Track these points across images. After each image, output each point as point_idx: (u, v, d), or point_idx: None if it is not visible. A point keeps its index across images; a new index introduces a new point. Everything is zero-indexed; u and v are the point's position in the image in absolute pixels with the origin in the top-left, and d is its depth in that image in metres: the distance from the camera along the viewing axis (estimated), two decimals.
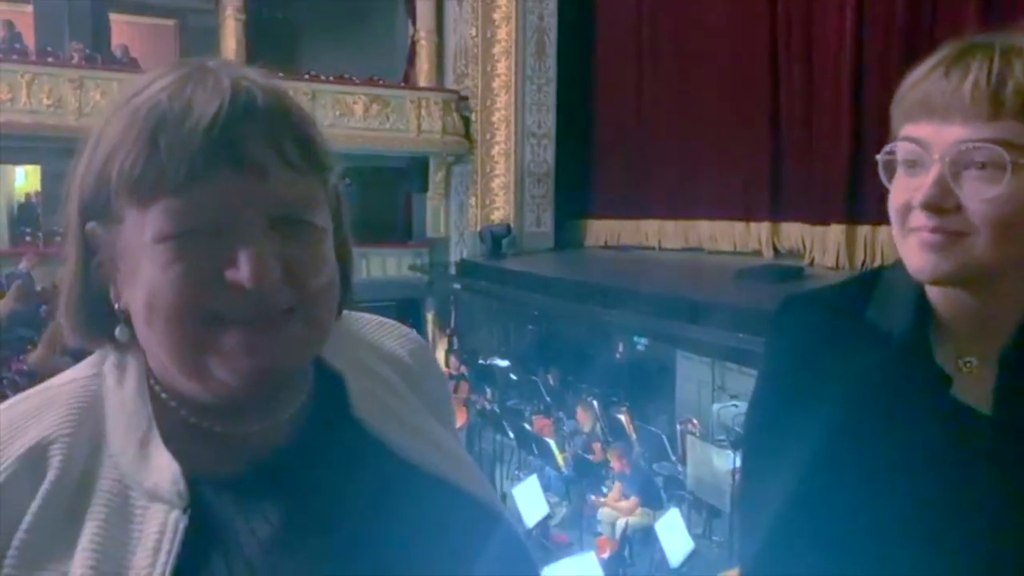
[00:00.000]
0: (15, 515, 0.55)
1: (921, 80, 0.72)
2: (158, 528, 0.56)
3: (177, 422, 0.62)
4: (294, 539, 0.61)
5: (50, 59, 11.30)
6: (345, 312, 0.71)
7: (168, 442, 0.60)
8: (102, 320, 0.62)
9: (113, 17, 13.19)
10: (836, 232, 8.22)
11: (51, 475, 0.57)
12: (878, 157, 0.75)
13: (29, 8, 12.42)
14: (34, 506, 0.55)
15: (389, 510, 0.65)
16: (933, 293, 0.77)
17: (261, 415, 0.63)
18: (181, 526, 0.56)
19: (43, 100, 10.45)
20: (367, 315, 0.78)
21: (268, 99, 0.59)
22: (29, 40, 11.98)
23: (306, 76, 12.29)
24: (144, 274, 0.57)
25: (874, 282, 0.82)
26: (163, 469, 0.58)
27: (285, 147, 0.59)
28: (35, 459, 0.57)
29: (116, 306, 0.61)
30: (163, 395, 0.62)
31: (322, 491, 0.64)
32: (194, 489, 0.58)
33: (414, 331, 0.80)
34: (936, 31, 7.21)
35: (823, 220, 8.39)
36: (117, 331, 0.61)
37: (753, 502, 0.85)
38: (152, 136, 0.56)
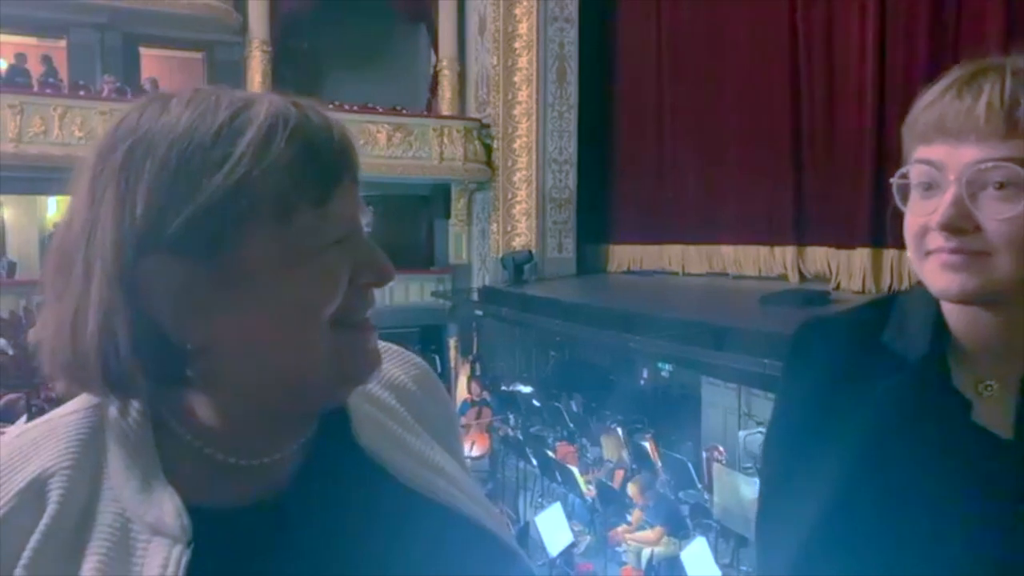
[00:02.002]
0: (14, 550, 0.54)
1: (934, 102, 0.71)
2: (160, 563, 0.55)
3: (185, 453, 0.60)
4: (299, 571, 0.60)
5: (81, 92, 11.58)
6: None
7: (173, 474, 0.59)
8: (169, 362, 0.57)
9: (143, 51, 13.51)
10: (862, 256, 8.13)
11: (51, 509, 0.56)
12: (892, 181, 0.74)
13: (63, 43, 12.77)
14: (34, 541, 0.55)
15: (394, 539, 0.64)
16: (952, 316, 0.76)
17: (281, 444, 0.63)
18: (184, 560, 0.55)
19: (75, 132, 10.69)
20: None
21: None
22: (64, 74, 12.31)
23: (330, 106, 12.36)
24: (279, 290, 0.57)
25: (891, 306, 0.81)
26: (165, 502, 0.57)
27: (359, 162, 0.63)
28: (35, 493, 0.56)
29: (188, 345, 0.57)
30: (173, 426, 0.60)
31: (327, 522, 0.63)
32: (198, 522, 0.57)
33: (418, 357, 0.79)
34: (959, 52, 7.16)
35: (849, 244, 8.31)
36: (189, 371, 0.58)
37: (773, 530, 0.83)
38: (306, 149, 0.57)
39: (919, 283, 0.75)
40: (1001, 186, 0.67)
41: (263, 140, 0.55)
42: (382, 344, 0.77)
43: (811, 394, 0.81)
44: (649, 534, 6.55)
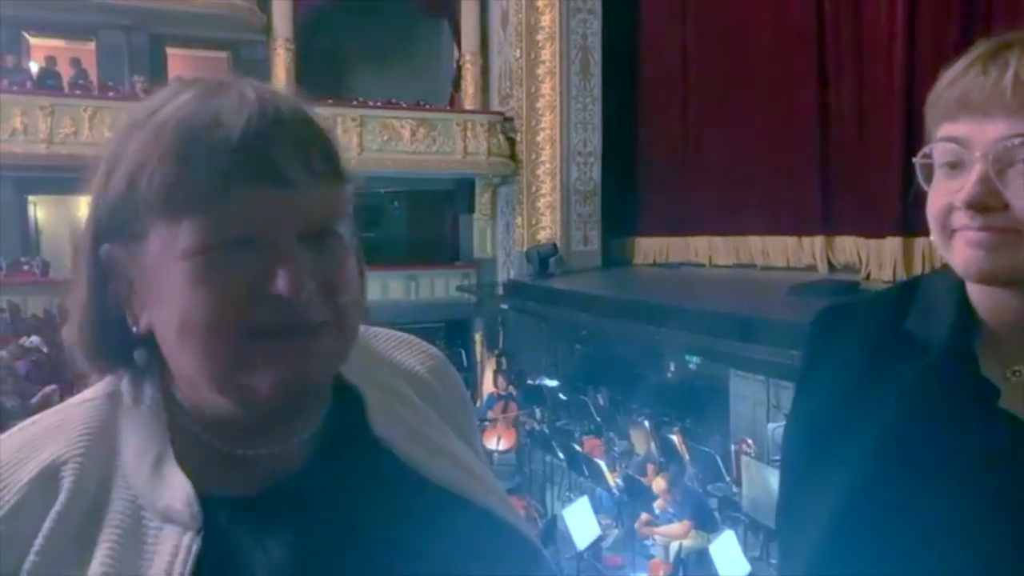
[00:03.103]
0: (27, 538, 0.55)
1: (958, 78, 0.69)
2: (171, 550, 0.56)
3: (194, 442, 0.61)
4: (310, 561, 0.60)
5: (111, 93, 11.76)
6: (362, 328, 0.70)
7: (184, 462, 0.59)
8: (118, 345, 0.61)
9: (169, 51, 13.68)
10: (892, 245, 8.00)
11: (63, 496, 0.56)
12: (915, 160, 0.72)
13: (92, 45, 12.98)
14: (46, 528, 0.55)
15: (409, 529, 0.63)
16: (978, 299, 0.73)
17: (282, 435, 0.62)
18: (194, 548, 0.56)
19: (104, 132, 10.86)
20: (385, 331, 0.77)
21: (293, 110, 0.59)
22: (93, 75, 12.51)
23: (354, 102, 12.56)
24: (175, 291, 0.56)
25: (914, 291, 0.78)
26: (176, 490, 0.57)
27: (312, 158, 0.58)
28: (46, 481, 0.57)
29: (134, 329, 0.60)
30: (182, 417, 0.61)
31: (340, 512, 0.62)
32: (209, 510, 0.57)
33: (434, 348, 0.79)
34: (992, 33, 6.99)
35: (878, 233, 8.17)
36: (136, 355, 0.61)
37: (795, 520, 0.81)
38: (181, 150, 0.55)
39: (944, 266, 0.73)
40: None
41: (152, 137, 0.57)
42: (398, 334, 0.77)
43: (833, 383, 0.79)
44: (676, 528, 6.53)
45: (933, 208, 0.71)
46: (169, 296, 0.57)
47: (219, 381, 0.57)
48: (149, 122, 0.57)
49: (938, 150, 0.70)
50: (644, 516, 6.76)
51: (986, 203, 0.66)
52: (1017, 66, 0.65)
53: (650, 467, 7.41)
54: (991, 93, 0.66)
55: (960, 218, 0.68)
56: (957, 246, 0.69)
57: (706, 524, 6.41)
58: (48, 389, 7.22)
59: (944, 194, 0.69)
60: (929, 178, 0.72)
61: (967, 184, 0.67)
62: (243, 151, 0.55)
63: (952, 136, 0.69)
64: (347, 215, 0.62)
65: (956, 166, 0.69)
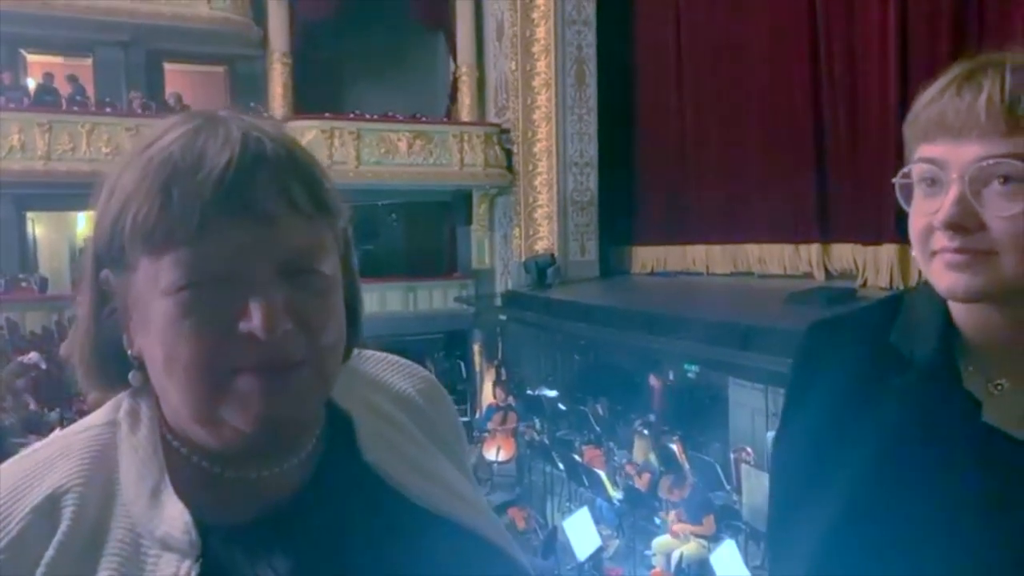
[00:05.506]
0: (29, 566, 0.56)
1: (934, 100, 0.71)
2: None
3: (189, 469, 0.62)
4: None
5: (108, 109, 11.78)
6: (355, 351, 0.71)
7: (180, 490, 0.60)
8: (115, 366, 0.62)
9: (167, 67, 13.71)
10: (888, 251, 8.02)
11: (64, 525, 0.57)
12: (894, 180, 0.73)
13: (89, 61, 13.00)
14: (47, 557, 0.56)
15: (400, 555, 0.64)
16: (960, 315, 0.75)
17: (272, 460, 0.63)
18: (193, 575, 0.57)
19: (102, 148, 10.89)
20: (378, 353, 0.78)
21: (277, 149, 0.59)
22: (91, 91, 12.53)
23: (351, 115, 12.60)
24: (158, 324, 0.57)
25: (898, 306, 0.80)
26: (175, 518, 0.58)
27: (295, 196, 0.59)
28: (48, 510, 0.58)
29: (129, 352, 0.61)
30: (175, 442, 0.62)
31: (331, 537, 0.63)
32: (205, 537, 0.58)
33: (425, 370, 0.80)
34: (984, 43, 7.04)
35: (875, 240, 8.20)
36: (130, 376, 0.62)
37: (786, 535, 0.83)
38: (164, 188, 0.56)
39: (926, 281, 0.74)
40: (1004, 182, 0.66)
41: (141, 173, 0.58)
42: (390, 356, 0.78)
43: (821, 398, 0.80)
44: (702, 526, 6.50)
45: (914, 228, 0.72)
46: (154, 328, 0.58)
47: (199, 414, 0.58)
48: (141, 156, 0.59)
49: (916, 170, 0.72)
50: (673, 515, 6.75)
51: (963, 223, 0.67)
52: (990, 89, 0.67)
53: (644, 477, 7.41)
54: (966, 115, 0.67)
55: (939, 239, 0.69)
56: (938, 268, 0.70)
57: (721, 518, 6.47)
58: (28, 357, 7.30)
59: (923, 215, 0.71)
60: (908, 198, 0.73)
61: (945, 205, 0.68)
62: (222, 189, 0.56)
63: (929, 157, 0.70)
64: (334, 252, 0.62)
65: (934, 185, 0.70)
